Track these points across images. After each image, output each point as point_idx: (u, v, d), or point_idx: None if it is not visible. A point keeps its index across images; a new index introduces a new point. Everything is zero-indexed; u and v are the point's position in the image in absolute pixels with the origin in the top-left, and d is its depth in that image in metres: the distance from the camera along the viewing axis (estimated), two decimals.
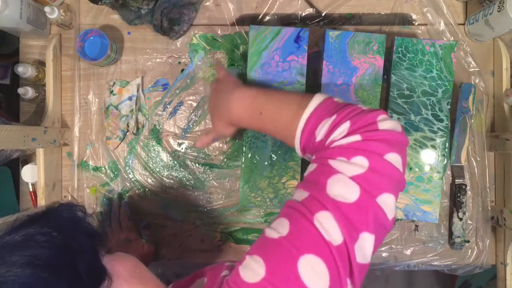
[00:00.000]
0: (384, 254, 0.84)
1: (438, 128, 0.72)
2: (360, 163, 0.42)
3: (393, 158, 0.43)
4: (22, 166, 0.82)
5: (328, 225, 0.39)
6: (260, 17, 0.84)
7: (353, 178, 0.41)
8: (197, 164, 0.84)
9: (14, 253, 0.35)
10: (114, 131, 0.82)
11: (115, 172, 0.84)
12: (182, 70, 0.84)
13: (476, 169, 0.83)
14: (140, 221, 0.82)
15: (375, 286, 1.56)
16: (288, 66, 0.72)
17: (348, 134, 0.44)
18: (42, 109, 0.81)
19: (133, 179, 0.84)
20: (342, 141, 0.44)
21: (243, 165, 0.73)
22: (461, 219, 0.81)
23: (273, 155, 0.72)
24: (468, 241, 0.83)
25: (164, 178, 0.84)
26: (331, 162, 0.43)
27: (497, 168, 0.83)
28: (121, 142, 0.84)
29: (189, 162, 0.84)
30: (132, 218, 0.79)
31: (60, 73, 0.84)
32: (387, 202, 0.42)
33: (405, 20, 0.84)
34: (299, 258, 0.38)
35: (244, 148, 0.73)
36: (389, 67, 0.74)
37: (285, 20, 0.84)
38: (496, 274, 0.82)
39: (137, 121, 0.83)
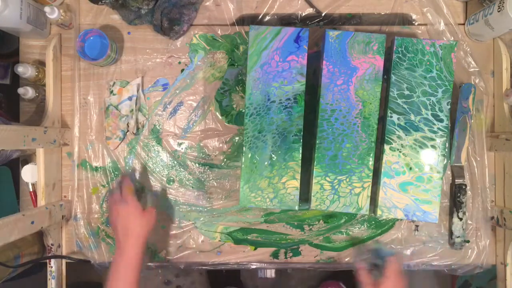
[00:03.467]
0: None
1: (438, 128, 0.72)
2: None
3: None
4: (22, 166, 0.82)
5: None
6: (260, 17, 0.84)
7: None
8: (197, 164, 0.84)
9: None
10: (114, 131, 0.83)
11: (115, 172, 0.84)
12: (182, 70, 0.84)
13: (476, 169, 0.83)
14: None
15: None
16: (288, 66, 0.72)
17: None
18: (42, 109, 0.81)
19: (133, 179, 0.84)
20: None
21: (243, 165, 0.73)
22: (461, 219, 0.81)
23: (273, 155, 0.72)
24: (468, 241, 0.83)
25: (164, 178, 0.84)
26: None
27: (497, 168, 0.83)
28: (121, 142, 0.84)
29: (189, 162, 0.84)
30: (135, 183, 0.75)
31: (60, 73, 0.84)
32: None
33: (405, 20, 0.84)
34: None
35: (244, 148, 0.73)
36: (389, 67, 0.74)
37: (285, 20, 0.84)
38: (496, 274, 0.82)
39: (137, 121, 0.83)
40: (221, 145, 0.84)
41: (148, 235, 0.73)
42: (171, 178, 0.84)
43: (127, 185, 0.76)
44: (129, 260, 0.70)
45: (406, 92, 0.72)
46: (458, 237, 0.81)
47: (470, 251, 0.83)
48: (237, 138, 0.84)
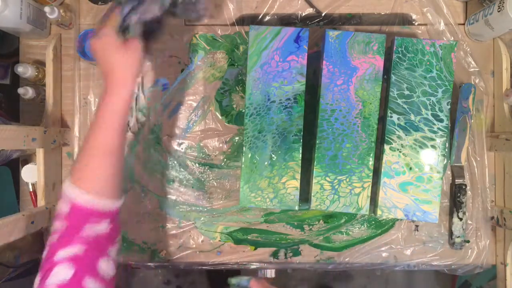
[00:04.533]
0: (384, 254, 0.84)
1: (438, 128, 0.72)
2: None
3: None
4: (22, 166, 0.82)
5: None
6: (260, 17, 0.84)
7: None
8: (197, 164, 0.84)
9: None
10: None
11: None
12: (182, 70, 0.84)
13: (476, 169, 0.83)
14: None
15: (375, 286, 1.56)
16: (288, 66, 0.72)
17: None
18: (42, 109, 0.81)
19: (133, 179, 0.84)
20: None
21: (243, 165, 0.73)
22: (461, 219, 0.81)
23: (273, 155, 0.72)
24: (468, 241, 0.83)
25: (164, 178, 0.84)
26: None
27: (497, 168, 0.83)
28: None
29: (189, 162, 0.84)
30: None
31: (60, 73, 0.84)
32: None
33: (405, 20, 0.84)
34: None
35: (244, 148, 0.73)
36: (389, 67, 0.74)
37: (285, 20, 0.84)
38: (496, 274, 0.82)
39: (137, 121, 0.83)
40: (221, 145, 0.84)
41: (137, 73, 0.60)
42: (171, 178, 0.84)
43: (111, 17, 0.60)
44: (117, 102, 0.58)
45: (406, 92, 0.72)
46: (458, 237, 0.81)
47: (470, 251, 0.83)
48: (237, 138, 0.84)
